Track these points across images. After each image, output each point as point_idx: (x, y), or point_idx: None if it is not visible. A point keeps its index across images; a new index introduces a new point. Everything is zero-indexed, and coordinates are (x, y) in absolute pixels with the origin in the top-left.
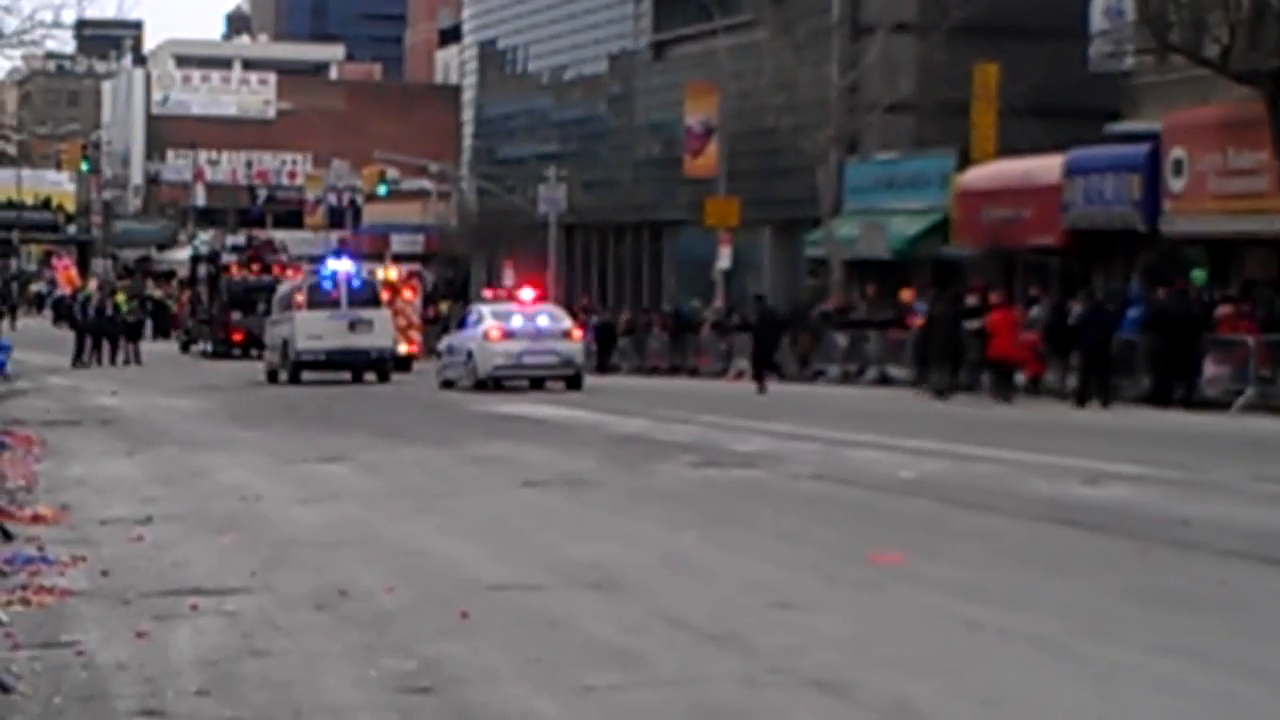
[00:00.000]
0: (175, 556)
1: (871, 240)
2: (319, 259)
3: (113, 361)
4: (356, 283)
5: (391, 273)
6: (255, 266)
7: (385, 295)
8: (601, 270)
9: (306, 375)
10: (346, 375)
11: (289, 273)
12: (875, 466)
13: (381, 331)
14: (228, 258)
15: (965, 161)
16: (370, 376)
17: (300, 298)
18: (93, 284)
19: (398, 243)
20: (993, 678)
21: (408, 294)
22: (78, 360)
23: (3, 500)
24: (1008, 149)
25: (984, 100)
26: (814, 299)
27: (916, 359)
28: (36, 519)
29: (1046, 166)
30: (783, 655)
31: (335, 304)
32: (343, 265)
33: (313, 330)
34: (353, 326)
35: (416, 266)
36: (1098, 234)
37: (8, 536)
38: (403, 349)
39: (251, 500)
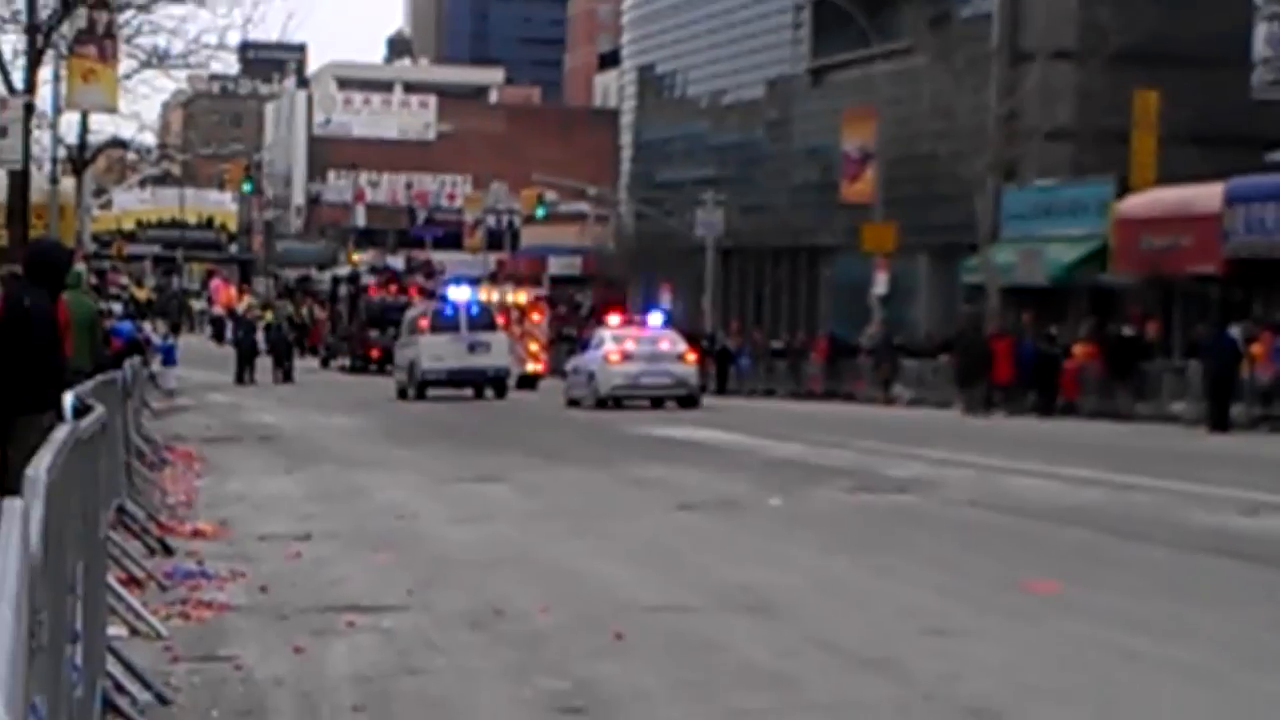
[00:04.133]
0: (332, 573)
1: (1029, 267)
2: (445, 284)
3: (253, 379)
4: (475, 309)
5: (521, 296)
6: (392, 288)
7: (504, 319)
8: (758, 294)
9: (431, 392)
10: (468, 391)
11: (421, 295)
12: (1031, 494)
13: (498, 352)
14: (367, 279)
15: (1124, 189)
16: (489, 393)
17: (424, 323)
18: (243, 304)
19: (555, 265)
20: (1148, 709)
21: (535, 316)
22: (240, 378)
23: (164, 515)
24: (1167, 177)
25: (1144, 127)
26: (970, 325)
27: (956, 380)
28: (197, 534)
29: (1207, 195)
30: (937, 682)
31: (456, 328)
32: (462, 293)
33: (436, 352)
34: (472, 348)
35: (543, 290)
36: (1259, 263)
37: (168, 551)
38: (530, 368)
39: (408, 519)
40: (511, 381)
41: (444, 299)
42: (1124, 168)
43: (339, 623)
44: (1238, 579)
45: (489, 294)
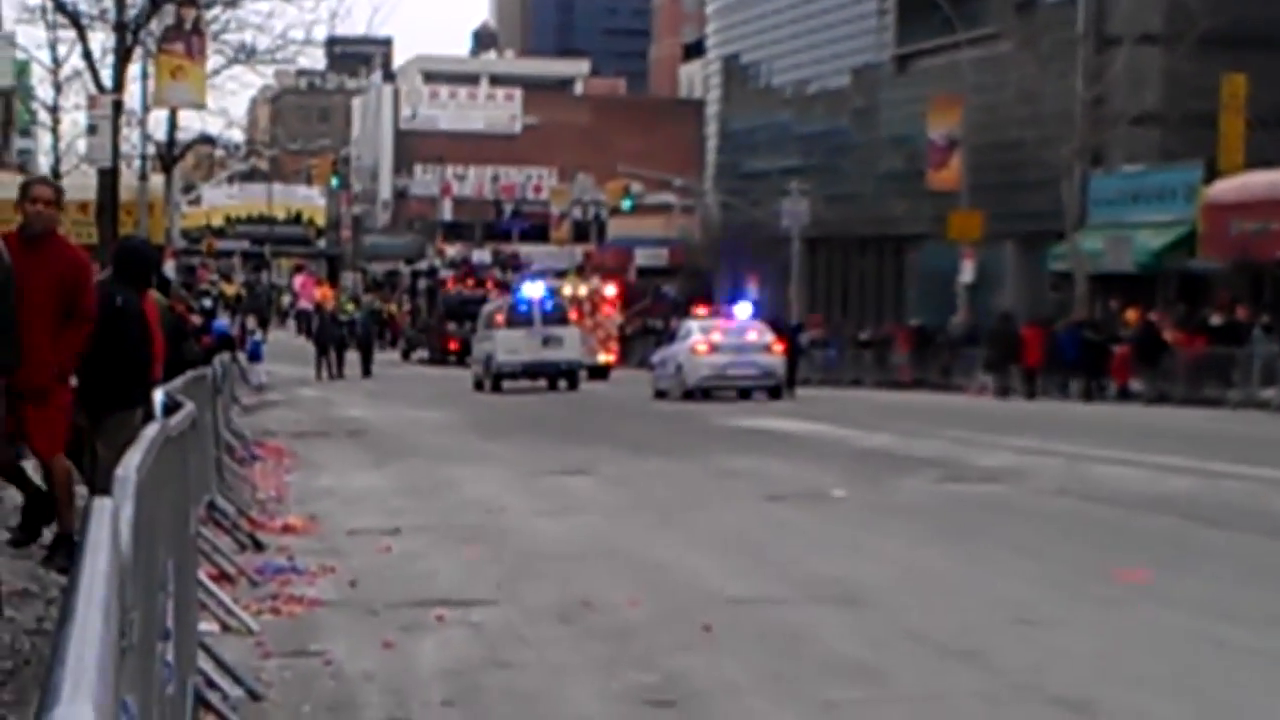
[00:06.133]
0: (421, 568)
1: (1117, 254)
2: (519, 279)
3: (340, 374)
4: (548, 305)
5: (598, 288)
6: (470, 281)
7: (577, 312)
8: (844, 284)
9: (506, 384)
10: (543, 383)
11: (497, 288)
12: (1120, 482)
13: (570, 346)
14: (445, 272)
15: (1212, 174)
16: (563, 384)
17: (500, 318)
18: (325, 296)
19: (642, 256)
20: (1240, 698)
21: (606, 309)
22: (320, 372)
23: (254, 511)
24: (1256, 161)
25: (1231, 111)
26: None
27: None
28: (287, 529)
29: None
30: (1026, 672)
31: (530, 323)
32: (536, 289)
33: (511, 346)
34: (545, 342)
35: (617, 284)
36: None
37: (259, 546)
38: (602, 359)
39: (496, 512)
40: (584, 373)
41: (518, 294)
42: (1212, 152)
43: (428, 617)
44: None
45: (562, 288)
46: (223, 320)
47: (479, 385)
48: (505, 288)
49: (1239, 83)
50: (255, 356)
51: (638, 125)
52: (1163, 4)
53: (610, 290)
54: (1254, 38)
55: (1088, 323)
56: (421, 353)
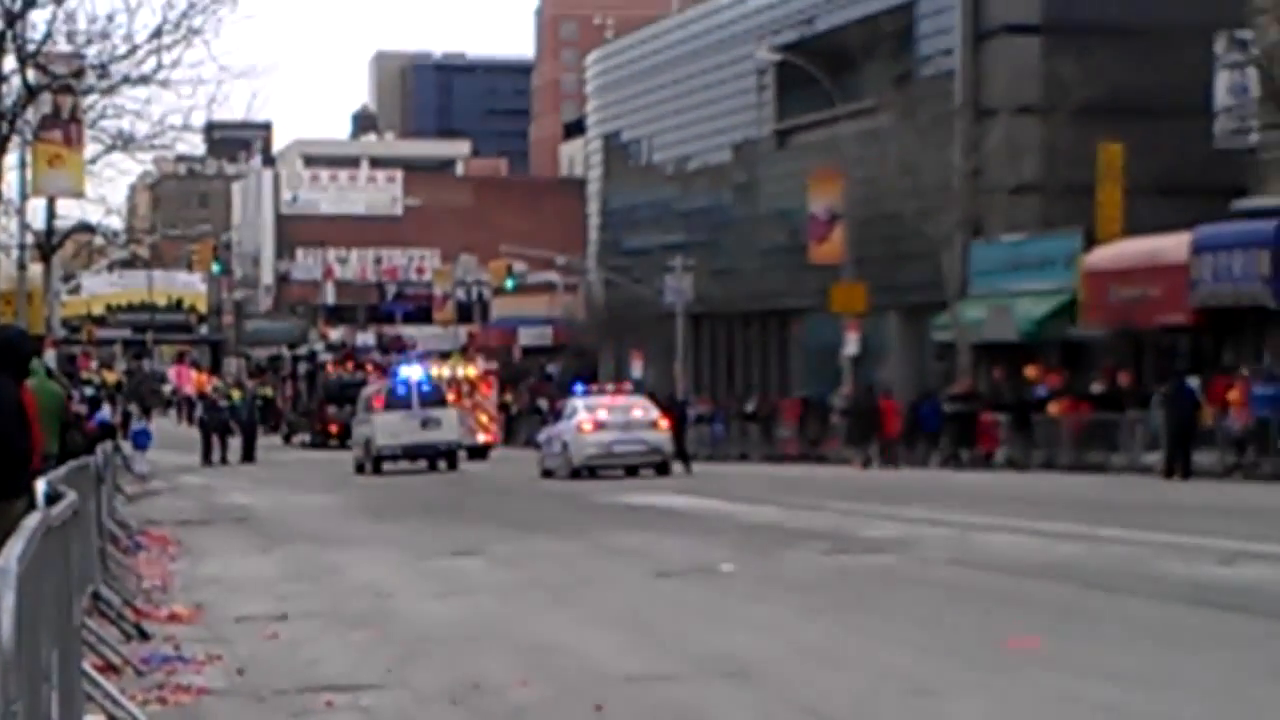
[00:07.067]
0: (310, 653)
1: (999, 323)
2: (397, 362)
3: (224, 459)
4: (426, 387)
5: (470, 370)
6: (349, 364)
7: (455, 393)
8: (729, 358)
9: (386, 466)
10: (423, 464)
11: (376, 371)
12: (1009, 550)
13: (449, 427)
14: (324, 356)
15: (1091, 241)
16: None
17: (379, 401)
18: (202, 383)
19: (526, 335)
20: None
21: (484, 389)
22: (207, 458)
23: (139, 600)
24: (1134, 228)
25: (1109, 180)
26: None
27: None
28: (172, 618)
29: (1174, 245)
30: None
31: (408, 405)
32: (414, 372)
33: (390, 429)
34: (424, 424)
35: (493, 364)
36: (1227, 311)
37: (145, 636)
38: (481, 439)
39: (385, 596)
40: (463, 453)
41: (396, 377)
42: (1090, 220)
43: (318, 703)
44: (1218, 629)
45: (439, 370)
46: (105, 409)
47: (360, 468)
48: (384, 371)
49: (1115, 151)
50: (141, 444)
51: (520, 205)
52: (1039, 75)
53: (477, 371)
54: (1129, 107)
55: (960, 394)
56: (303, 436)
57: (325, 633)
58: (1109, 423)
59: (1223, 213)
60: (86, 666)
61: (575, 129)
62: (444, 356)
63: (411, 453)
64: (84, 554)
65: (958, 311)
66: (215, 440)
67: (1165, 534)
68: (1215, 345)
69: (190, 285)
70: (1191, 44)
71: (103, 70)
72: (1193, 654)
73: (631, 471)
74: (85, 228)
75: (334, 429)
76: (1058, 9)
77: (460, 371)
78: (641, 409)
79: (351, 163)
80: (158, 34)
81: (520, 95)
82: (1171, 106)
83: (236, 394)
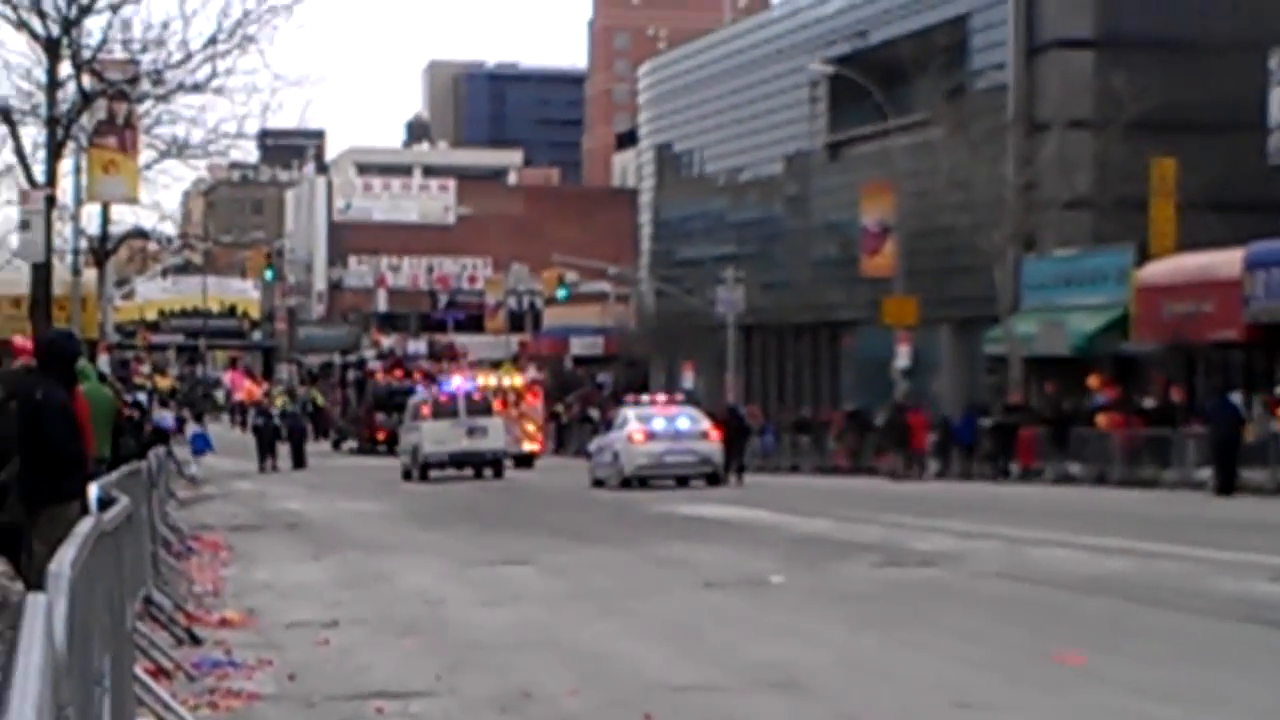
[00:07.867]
0: (360, 660)
1: (1050, 337)
2: (446, 372)
3: (275, 466)
4: (473, 395)
5: (517, 380)
6: (397, 372)
7: (502, 402)
8: (780, 370)
9: (434, 473)
10: (469, 472)
11: (425, 379)
12: (1058, 564)
13: (495, 436)
14: (373, 364)
15: (1144, 257)
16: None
17: (426, 409)
18: (251, 393)
19: (577, 345)
20: None
21: (530, 399)
22: (263, 465)
23: (191, 605)
24: (1187, 243)
25: (1162, 195)
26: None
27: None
28: (224, 623)
29: (1227, 260)
30: None
31: (455, 414)
32: (461, 381)
33: (437, 437)
34: (470, 432)
35: (540, 374)
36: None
37: (196, 641)
38: (527, 447)
39: (435, 603)
40: (509, 461)
41: (444, 386)
42: (1143, 235)
43: (367, 710)
44: (1268, 646)
45: (486, 379)
46: (165, 414)
47: (407, 475)
48: (432, 379)
49: (1168, 166)
50: (199, 449)
51: (572, 214)
52: (1092, 90)
53: (523, 380)
54: (1182, 122)
55: (1015, 406)
56: (351, 443)
57: (375, 639)
58: (1161, 438)
59: (1276, 228)
60: (138, 671)
61: (628, 139)
62: (494, 366)
63: (458, 460)
64: (136, 558)
65: (1009, 325)
66: (273, 446)
67: (1215, 550)
68: (1268, 361)
69: (243, 291)
70: (1245, 59)
71: (158, 77)
72: (1243, 671)
73: (682, 482)
74: (139, 233)
75: (381, 436)
76: (1111, 23)
77: (507, 381)
78: (692, 419)
79: (404, 171)
80: (213, 41)
81: (573, 105)
82: (1224, 121)
83: (280, 401)
